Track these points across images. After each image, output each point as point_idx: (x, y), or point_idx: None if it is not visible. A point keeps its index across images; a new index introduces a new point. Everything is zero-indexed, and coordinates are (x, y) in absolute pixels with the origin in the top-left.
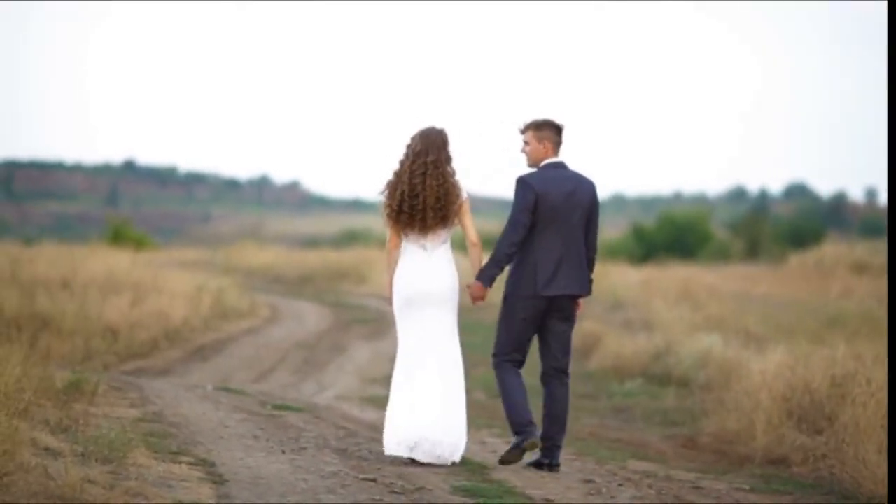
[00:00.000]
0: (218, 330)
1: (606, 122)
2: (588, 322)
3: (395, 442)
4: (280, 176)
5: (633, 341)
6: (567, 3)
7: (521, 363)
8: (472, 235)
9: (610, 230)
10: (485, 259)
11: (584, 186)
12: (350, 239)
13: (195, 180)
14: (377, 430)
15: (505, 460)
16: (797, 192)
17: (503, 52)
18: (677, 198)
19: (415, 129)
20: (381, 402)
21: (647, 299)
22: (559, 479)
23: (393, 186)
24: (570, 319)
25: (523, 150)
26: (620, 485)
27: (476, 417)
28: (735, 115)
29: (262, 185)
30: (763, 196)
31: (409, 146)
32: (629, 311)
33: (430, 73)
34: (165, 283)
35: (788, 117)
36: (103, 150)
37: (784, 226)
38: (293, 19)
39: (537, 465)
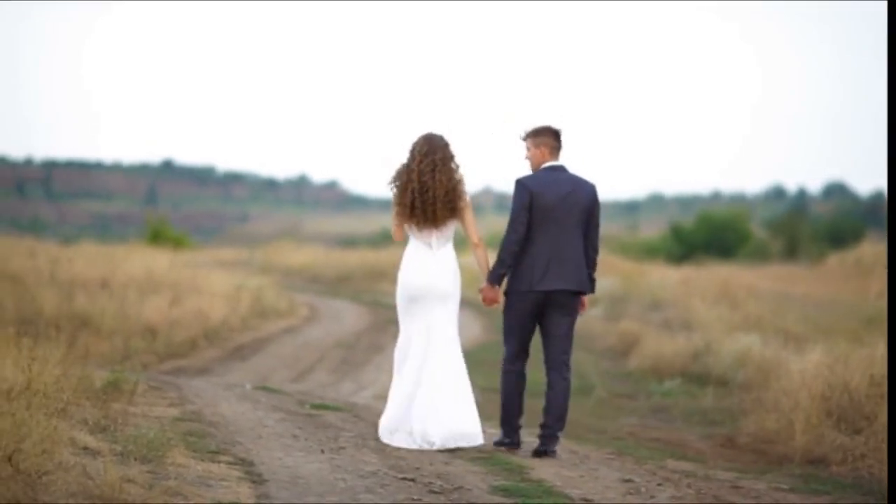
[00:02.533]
0: (256, 329)
1: (646, 121)
2: (627, 322)
3: (389, 431)
4: (318, 175)
5: (672, 341)
6: (609, 3)
7: (524, 355)
8: (474, 236)
9: (648, 229)
10: (491, 258)
11: (581, 189)
12: (388, 238)
13: (233, 180)
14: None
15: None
16: (836, 191)
17: (536, 53)
18: (716, 197)
19: (416, 136)
20: None
21: (686, 299)
22: (598, 479)
23: (403, 185)
24: (569, 314)
25: (526, 157)
26: (660, 484)
27: None
28: (774, 114)
29: (300, 185)
30: (802, 195)
31: (413, 150)
32: (668, 310)
33: (467, 74)
34: (204, 282)
35: (828, 116)
36: (142, 149)
37: (823, 225)
38: (333, 19)
39: (536, 453)
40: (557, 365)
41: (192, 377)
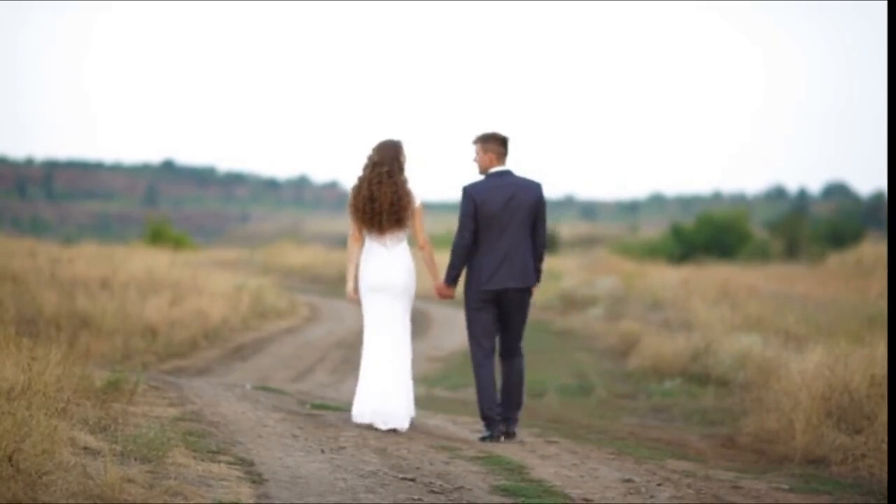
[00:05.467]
0: (257, 329)
1: (646, 122)
2: (627, 322)
3: (359, 412)
4: (319, 176)
5: (673, 341)
6: (609, 3)
7: (491, 348)
8: (420, 239)
9: (649, 230)
10: (441, 260)
11: (525, 190)
12: None
13: (234, 180)
14: (416, 428)
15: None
16: (837, 191)
17: (538, 53)
18: (716, 197)
19: (375, 142)
20: (419, 402)
21: (686, 299)
22: (598, 479)
23: (357, 190)
24: (521, 308)
25: (474, 160)
26: (659, 484)
27: None
28: (775, 115)
29: (300, 185)
30: (802, 195)
31: (369, 156)
32: (668, 310)
33: (467, 75)
34: (204, 282)
35: (828, 116)
36: (143, 149)
37: (823, 225)
38: (332, 19)
39: (505, 435)
40: (510, 353)
41: (192, 377)
